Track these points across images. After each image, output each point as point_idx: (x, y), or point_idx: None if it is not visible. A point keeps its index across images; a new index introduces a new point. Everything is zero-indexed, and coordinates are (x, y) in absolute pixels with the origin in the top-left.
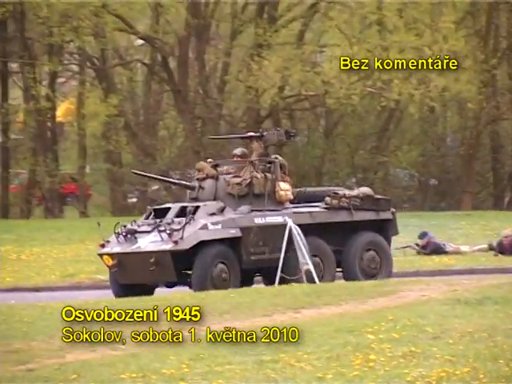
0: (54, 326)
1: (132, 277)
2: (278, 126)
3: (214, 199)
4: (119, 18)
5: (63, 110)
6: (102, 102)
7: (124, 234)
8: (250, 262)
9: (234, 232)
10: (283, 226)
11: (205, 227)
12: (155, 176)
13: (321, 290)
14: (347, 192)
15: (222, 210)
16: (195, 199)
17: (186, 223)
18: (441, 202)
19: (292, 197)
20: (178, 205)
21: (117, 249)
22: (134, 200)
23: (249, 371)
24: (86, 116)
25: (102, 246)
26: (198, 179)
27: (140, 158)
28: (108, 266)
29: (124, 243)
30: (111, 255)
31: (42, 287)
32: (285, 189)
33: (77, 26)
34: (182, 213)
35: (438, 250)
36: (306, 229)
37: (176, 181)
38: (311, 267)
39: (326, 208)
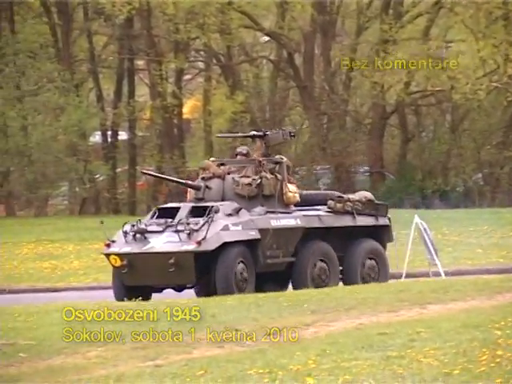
0: (180, 322)
1: (145, 278)
2: (282, 126)
3: (222, 200)
4: (245, 14)
5: (189, 106)
6: (228, 98)
7: (133, 233)
8: (265, 265)
9: (253, 234)
10: (297, 229)
11: (226, 228)
12: (162, 176)
13: (447, 286)
14: (351, 196)
15: (238, 211)
16: (201, 199)
17: (205, 223)
18: None
19: (299, 199)
20: (188, 205)
21: (126, 249)
22: None
23: (375, 367)
24: (212, 113)
25: (108, 245)
26: (203, 178)
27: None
28: (115, 266)
29: (133, 243)
30: (120, 255)
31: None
32: (293, 191)
33: (203, 22)
34: (193, 213)
35: None
36: (313, 233)
37: (182, 180)
38: (439, 267)
39: (329, 212)
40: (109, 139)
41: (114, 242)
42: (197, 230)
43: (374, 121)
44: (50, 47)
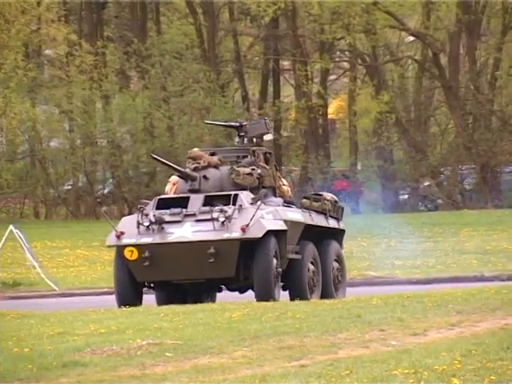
0: (326, 321)
1: (172, 272)
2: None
3: (221, 190)
4: (390, 14)
5: (334, 106)
6: (373, 98)
7: (147, 223)
8: (285, 260)
9: (282, 224)
10: (301, 224)
11: (261, 216)
12: (168, 162)
13: None
14: (328, 195)
15: (257, 201)
16: (196, 191)
17: (239, 211)
18: None
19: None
20: (200, 195)
21: (146, 239)
22: (406, 196)
23: None
24: (357, 113)
25: (118, 236)
26: (196, 169)
27: (411, 155)
28: (132, 260)
29: (151, 233)
30: (138, 247)
31: None
32: (286, 184)
33: (348, 23)
34: (207, 203)
35: None
36: (304, 231)
37: (180, 168)
38: None
39: (304, 210)
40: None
41: (123, 233)
42: (234, 218)
43: None
44: (196, 48)
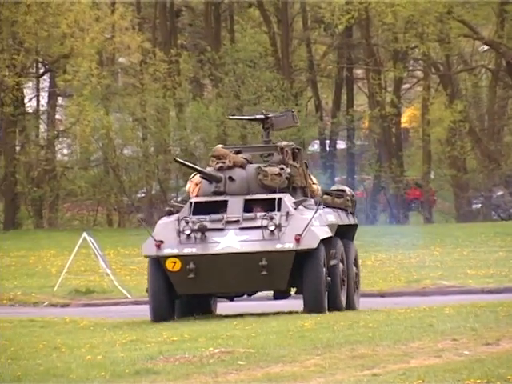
0: (398, 330)
1: (220, 285)
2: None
3: (248, 193)
4: (464, 23)
5: (408, 115)
6: (446, 107)
7: (188, 231)
8: (329, 267)
9: (328, 231)
10: (335, 226)
11: (311, 224)
12: (191, 165)
13: None
14: (348, 190)
15: (298, 205)
16: (221, 193)
17: (288, 217)
18: None
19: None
20: (239, 198)
21: (189, 250)
22: (479, 206)
23: None
24: (431, 122)
25: (158, 246)
26: (221, 168)
27: (485, 164)
28: (174, 271)
29: (193, 243)
30: (182, 258)
31: (386, 292)
32: (316, 182)
33: (422, 31)
34: (248, 207)
35: None
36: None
37: (202, 169)
38: None
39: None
40: (327, 148)
41: (162, 242)
42: (283, 226)
43: None
44: (270, 56)
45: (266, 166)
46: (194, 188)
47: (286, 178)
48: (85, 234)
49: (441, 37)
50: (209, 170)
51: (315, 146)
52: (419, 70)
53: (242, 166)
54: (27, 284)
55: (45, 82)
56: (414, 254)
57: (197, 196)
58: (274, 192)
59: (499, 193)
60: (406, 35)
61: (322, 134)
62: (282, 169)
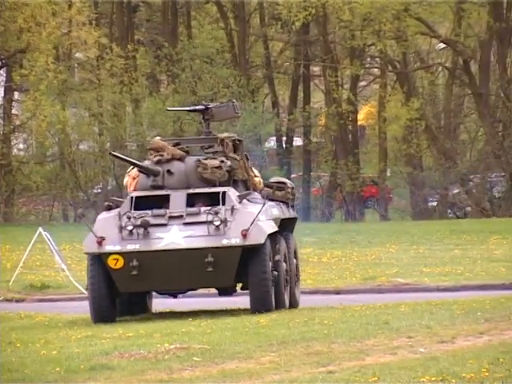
0: (353, 328)
1: (164, 282)
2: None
3: (188, 187)
4: (421, 21)
5: (364, 113)
6: (403, 105)
7: (130, 227)
8: (275, 262)
9: (273, 226)
10: (279, 220)
11: (258, 219)
12: (128, 158)
13: None
14: (289, 183)
15: (243, 198)
16: (159, 187)
17: (234, 212)
18: None
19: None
20: (181, 192)
21: (132, 246)
22: (435, 204)
23: None
24: (387, 119)
25: (100, 243)
26: (159, 162)
27: (441, 162)
28: (116, 269)
29: (137, 239)
30: (124, 254)
31: (342, 290)
32: (258, 175)
33: (378, 29)
34: (191, 201)
35: None
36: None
37: (139, 163)
38: None
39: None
40: (284, 145)
41: (103, 238)
42: (229, 221)
43: None
44: (226, 53)
45: (205, 159)
46: (132, 182)
47: (227, 170)
48: (40, 229)
49: (398, 34)
50: (146, 163)
51: (272, 143)
52: (376, 67)
53: (181, 159)
54: None
55: (1, 76)
56: (370, 251)
57: (134, 190)
58: (214, 185)
59: (455, 191)
60: (362, 32)
61: (279, 131)
62: (223, 161)
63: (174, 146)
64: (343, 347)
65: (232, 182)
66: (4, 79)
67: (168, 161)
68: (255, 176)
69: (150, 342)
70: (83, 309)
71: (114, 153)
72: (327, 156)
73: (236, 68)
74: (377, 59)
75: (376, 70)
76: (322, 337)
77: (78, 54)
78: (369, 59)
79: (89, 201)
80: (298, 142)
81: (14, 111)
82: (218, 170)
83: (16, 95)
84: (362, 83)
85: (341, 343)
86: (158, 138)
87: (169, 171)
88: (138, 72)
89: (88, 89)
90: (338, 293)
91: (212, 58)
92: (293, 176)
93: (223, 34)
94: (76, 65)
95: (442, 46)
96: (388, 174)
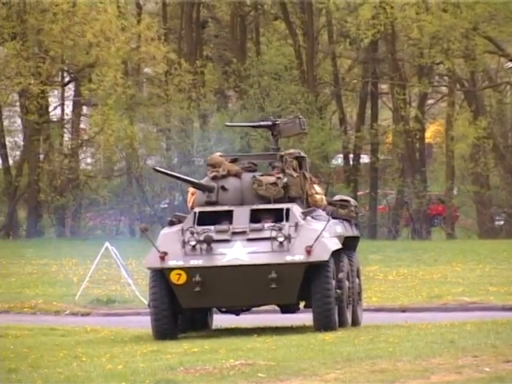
0: (419, 346)
1: (227, 298)
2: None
3: (242, 203)
4: (490, 40)
5: (432, 131)
6: (470, 123)
7: (194, 242)
8: (337, 280)
9: (337, 242)
10: (343, 238)
11: (322, 235)
12: (173, 173)
13: None
14: (352, 201)
15: (307, 215)
16: (214, 203)
17: (298, 228)
18: None
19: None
20: (245, 208)
21: (195, 261)
22: (502, 222)
23: None
24: (455, 138)
25: (162, 258)
26: (215, 178)
27: (508, 181)
28: (179, 284)
29: (200, 254)
30: (187, 270)
31: (407, 308)
32: (320, 192)
33: (447, 47)
34: (254, 217)
35: None
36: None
37: (194, 180)
38: None
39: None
40: (351, 162)
41: (166, 253)
42: (293, 237)
43: None
44: (295, 69)
45: (261, 175)
46: (191, 198)
47: (282, 187)
48: (107, 244)
49: (466, 53)
50: (205, 179)
51: (339, 160)
52: (444, 85)
53: (237, 175)
54: (49, 292)
55: (70, 90)
56: (436, 269)
57: (192, 206)
58: (269, 202)
59: None
60: (431, 51)
61: (346, 148)
62: (279, 178)
63: (231, 161)
64: (408, 365)
65: (287, 198)
66: (73, 93)
67: (223, 177)
68: (316, 193)
69: (215, 357)
70: (149, 323)
71: (159, 168)
72: (394, 174)
73: (304, 85)
74: (445, 77)
75: (444, 88)
76: (387, 355)
77: (146, 69)
78: (437, 77)
79: (155, 216)
80: (365, 159)
81: (82, 126)
82: (272, 187)
83: (84, 110)
84: (430, 101)
85: (406, 361)
86: (217, 153)
87: (223, 187)
88: (206, 88)
89: (156, 104)
90: (403, 311)
91: (280, 75)
92: (359, 193)
93: (291, 51)
94: (144, 80)
95: (511, 64)
96: (455, 192)
